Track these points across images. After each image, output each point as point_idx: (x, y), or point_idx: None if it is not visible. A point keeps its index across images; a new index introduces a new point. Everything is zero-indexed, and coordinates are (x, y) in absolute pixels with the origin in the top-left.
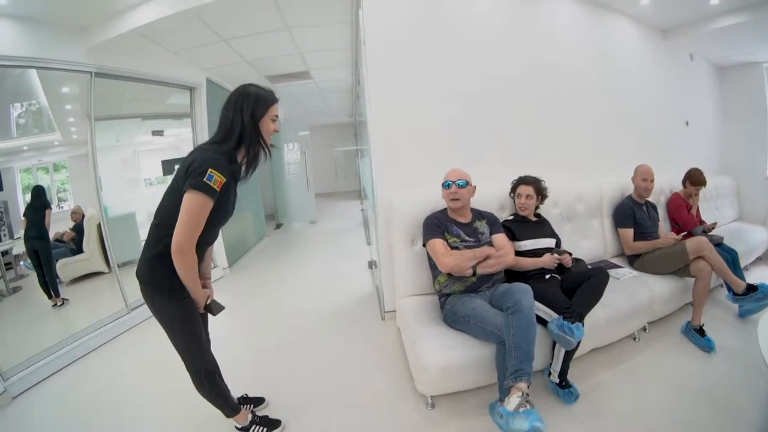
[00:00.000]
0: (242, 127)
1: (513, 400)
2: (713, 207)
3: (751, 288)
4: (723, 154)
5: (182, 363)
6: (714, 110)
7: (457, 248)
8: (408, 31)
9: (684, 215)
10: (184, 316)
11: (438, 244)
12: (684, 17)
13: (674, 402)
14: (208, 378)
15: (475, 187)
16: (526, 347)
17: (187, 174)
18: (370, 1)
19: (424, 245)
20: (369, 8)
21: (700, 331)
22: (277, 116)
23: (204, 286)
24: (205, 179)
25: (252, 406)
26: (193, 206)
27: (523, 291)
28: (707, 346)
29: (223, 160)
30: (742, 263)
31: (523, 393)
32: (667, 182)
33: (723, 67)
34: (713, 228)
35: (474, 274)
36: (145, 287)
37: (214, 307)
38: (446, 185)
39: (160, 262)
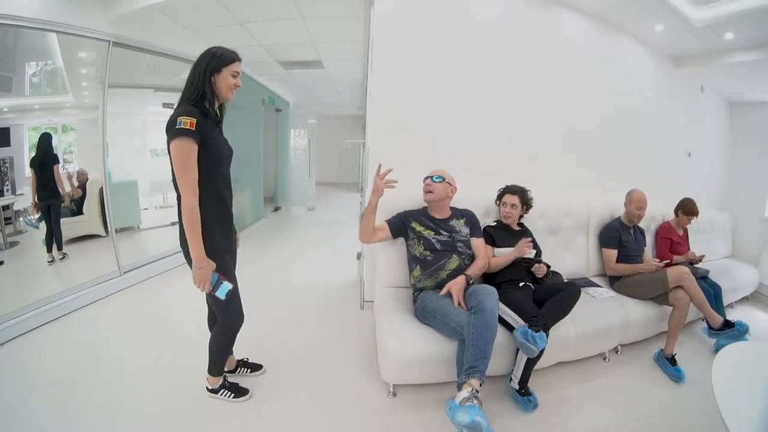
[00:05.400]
0: (201, 80)
1: (462, 394)
2: (705, 240)
3: (728, 324)
4: (724, 190)
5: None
6: (720, 145)
7: (428, 240)
8: (417, 36)
9: (663, 247)
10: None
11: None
12: (697, 48)
13: (632, 427)
14: (231, 337)
15: (455, 188)
16: (483, 346)
17: (166, 135)
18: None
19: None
20: (381, 7)
21: (672, 360)
22: (237, 72)
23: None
24: (177, 126)
25: (249, 370)
26: (177, 152)
27: (488, 293)
28: (676, 376)
29: (190, 109)
30: (728, 300)
31: (472, 389)
32: (659, 209)
33: (735, 103)
34: (701, 260)
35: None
36: (187, 253)
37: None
38: (425, 178)
39: None
